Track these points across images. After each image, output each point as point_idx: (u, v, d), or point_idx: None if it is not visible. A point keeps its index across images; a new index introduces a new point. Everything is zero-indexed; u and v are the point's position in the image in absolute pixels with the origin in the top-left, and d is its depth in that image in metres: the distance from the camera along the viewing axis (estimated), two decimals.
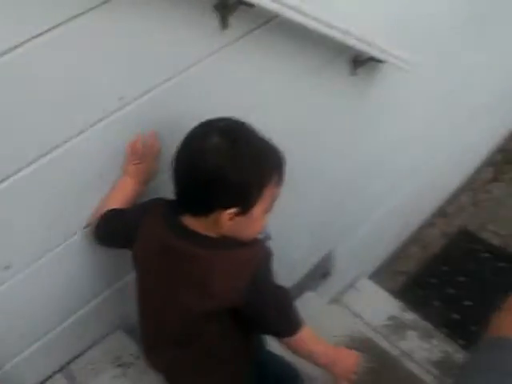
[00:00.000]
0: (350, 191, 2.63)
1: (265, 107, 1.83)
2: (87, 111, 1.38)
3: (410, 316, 3.01)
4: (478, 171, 3.98)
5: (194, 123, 1.31)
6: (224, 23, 1.53)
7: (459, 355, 2.84)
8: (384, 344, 2.79)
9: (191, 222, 1.36)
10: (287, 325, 1.49)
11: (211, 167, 1.25)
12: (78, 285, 1.69)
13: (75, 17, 1.21)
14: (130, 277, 1.62)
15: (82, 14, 1.22)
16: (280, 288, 1.44)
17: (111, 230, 1.54)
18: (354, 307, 3.01)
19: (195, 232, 1.36)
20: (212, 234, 1.36)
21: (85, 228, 1.58)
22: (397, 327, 2.96)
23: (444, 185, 3.70)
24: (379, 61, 2.04)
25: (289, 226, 2.31)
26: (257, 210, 1.33)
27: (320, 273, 2.83)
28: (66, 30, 1.21)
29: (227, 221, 1.31)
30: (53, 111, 1.31)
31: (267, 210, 1.38)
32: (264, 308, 1.40)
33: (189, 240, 1.36)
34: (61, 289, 1.65)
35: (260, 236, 1.43)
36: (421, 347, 2.88)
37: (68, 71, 1.28)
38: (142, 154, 1.54)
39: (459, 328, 3.19)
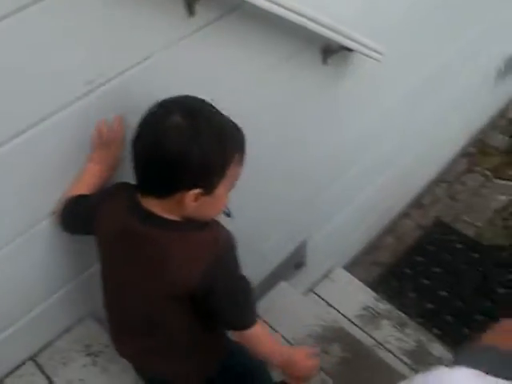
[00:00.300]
0: (323, 181, 2.64)
1: (234, 97, 1.82)
2: (53, 96, 1.37)
3: (384, 306, 3.04)
4: (453, 163, 4.01)
5: None
6: (191, 10, 1.52)
7: (433, 344, 2.87)
8: (358, 334, 2.81)
9: (153, 205, 1.33)
10: (240, 317, 1.48)
11: (173, 148, 1.23)
12: (46, 273, 1.68)
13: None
14: (99, 264, 1.61)
15: None
16: (241, 278, 1.42)
17: (74, 215, 1.53)
18: (328, 297, 3.03)
19: (157, 215, 1.33)
20: (174, 216, 1.34)
21: (52, 215, 1.57)
22: (371, 317, 2.98)
23: (419, 176, 3.72)
24: (349, 50, 2.04)
25: (261, 214, 2.31)
26: (220, 189, 1.32)
27: (294, 263, 2.83)
28: (31, 12, 1.21)
29: (191, 202, 1.29)
30: (18, 95, 1.30)
31: (230, 189, 1.37)
32: (218, 295, 1.36)
33: (149, 223, 1.33)
34: (28, 276, 1.64)
35: (222, 213, 1.43)
36: (394, 337, 2.90)
37: (34, 53, 1.28)
38: (107, 139, 1.52)
39: (434, 318, 3.22)
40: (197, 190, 1.27)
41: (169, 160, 1.24)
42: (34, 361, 1.82)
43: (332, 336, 2.57)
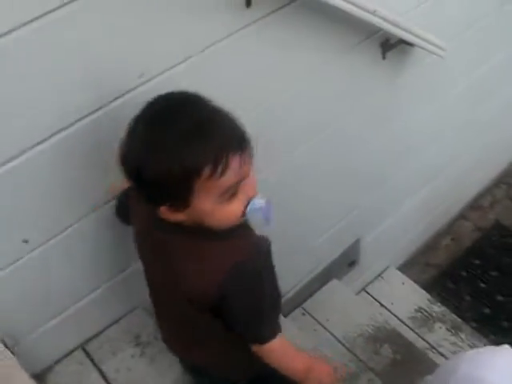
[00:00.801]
0: (378, 178, 2.59)
1: (290, 89, 1.81)
2: (108, 88, 1.37)
3: (438, 309, 2.98)
4: None
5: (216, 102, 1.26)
6: (247, 1, 1.50)
7: None
8: (410, 336, 2.76)
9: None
10: (255, 331, 1.38)
11: (131, 163, 1.14)
12: (97, 263, 1.69)
13: None
14: None
15: None
16: (265, 290, 1.30)
17: (119, 202, 1.54)
18: (381, 297, 2.99)
19: (168, 221, 1.22)
20: (187, 222, 1.22)
21: (105, 204, 1.57)
22: (424, 319, 2.93)
23: (478, 177, 3.62)
24: (410, 44, 1.99)
25: (315, 210, 2.28)
26: (199, 203, 1.16)
27: (347, 261, 2.79)
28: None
29: (169, 215, 1.19)
30: (72, 87, 1.31)
31: (222, 201, 1.18)
32: (231, 306, 1.28)
33: (163, 229, 1.27)
34: (79, 266, 1.65)
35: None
36: (448, 341, 2.84)
37: (88, 49, 1.28)
38: None
39: (490, 323, 3.13)
40: (164, 207, 1.18)
41: (126, 173, 1.16)
42: (84, 349, 1.84)
43: (383, 337, 2.53)
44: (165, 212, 1.18)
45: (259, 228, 1.32)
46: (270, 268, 1.31)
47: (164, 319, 1.58)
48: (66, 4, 1.18)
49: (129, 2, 1.29)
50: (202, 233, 1.24)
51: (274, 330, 1.38)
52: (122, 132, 1.15)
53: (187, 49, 1.47)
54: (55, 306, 1.69)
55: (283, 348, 1.42)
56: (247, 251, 1.26)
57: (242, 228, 1.29)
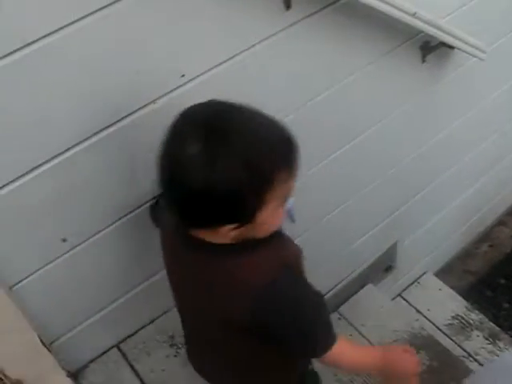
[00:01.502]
0: (419, 183, 2.57)
1: (331, 92, 1.80)
2: (153, 86, 1.39)
3: (476, 316, 2.93)
4: None
5: (254, 105, 1.22)
6: (287, 3, 1.50)
7: None
8: (447, 343, 2.72)
9: (194, 231, 1.16)
10: (313, 345, 1.27)
11: (193, 185, 1.03)
12: (131, 264, 1.70)
13: None
14: None
15: None
16: (304, 301, 1.19)
17: (152, 207, 1.52)
18: (417, 303, 2.95)
19: (198, 240, 1.15)
20: (221, 240, 1.14)
21: (143, 205, 1.58)
22: (461, 327, 2.88)
23: None
24: (450, 47, 1.96)
25: (352, 213, 2.26)
26: (262, 215, 1.09)
27: (384, 265, 2.76)
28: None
29: (230, 232, 1.10)
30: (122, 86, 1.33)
31: (280, 206, 1.13)
32: (277, 330, 1.18)
33: (192, 249, 1.19)
34: (116, 266, 1.67)
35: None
36: (486, 349, 2.79)
37: (131, 47, 1.29)
38: None
39: None
40: (232, 225, 1.08)
41: (192, 199, 1.05)
42: (119, 348, 1.85)
43: (420, 343, 2.49)
44: (226, 232, 1.09)
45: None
46: (302, 281, 1.22)
47: (191, 338, 1.51)
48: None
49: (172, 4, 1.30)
50: (235, 247, 1.15)
51: (331, 334, 1.27)
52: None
53: (228, 51, 1.47)
54: (91, 306, 1.71)
55: (347, 346, 1.32)
56: (276, 269, 1.16)
57: (273, 235, 1.19)
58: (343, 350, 1.30)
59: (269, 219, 1.12)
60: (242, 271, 1.15)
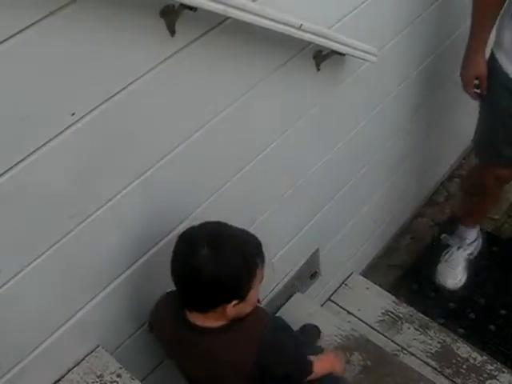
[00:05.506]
0: (331, 188, 2.61)
1: (226, 116, 1.80)
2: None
3: (404, 309, 2.99)
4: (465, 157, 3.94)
5: (147, 137, 1.25)
6: (171, 30, 1.50)
7: (459, 344, 2.81)
8: (379, 340, 2.77)
9: (197, 318, 1.60)
10: (301, 375, 1.79)
11: (209, 278, 1.47)
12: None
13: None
14: None
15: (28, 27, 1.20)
16: (290, 347, 1.74)
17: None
18: (347, 305, 2.99)
19: (200, 327, 1.60)
20: (215, 323, 1.60)
21: None
22: (392, 321, 2.94)
23: (430, 174, 3.66)
24: (341, 54, 2.01)
25: (269, 230, 2.27)
26: (251, 293, 1.57)
27: (309, 273, 2.79)
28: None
29: (231, 310, 1.54)
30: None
31: (258, 287, 1.60)
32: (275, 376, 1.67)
33: (195, 335, 1.61)
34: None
35: None
36: (418, 340, 2.85)
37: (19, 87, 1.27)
38: None
39: (457, 317, 3.15)
40: (234, 302, 1.53)
41: (207, 288, 1.50)
42: None
43: (352, 345, 2.54)
44: (230, 309, 1.54)
45: None
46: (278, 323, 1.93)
47: None
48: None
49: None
50: (229, 325, 1.61)
51: (308, 362, 1.81)
52: None
53: (111, 86, 1.46)
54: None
55: (319, 362, 1.86)
56: (260, 325, 1.68)
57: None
58: (319, 364, 1.86)
59: (254, 297, 1.59)
60: (240, 341, 1.62)
